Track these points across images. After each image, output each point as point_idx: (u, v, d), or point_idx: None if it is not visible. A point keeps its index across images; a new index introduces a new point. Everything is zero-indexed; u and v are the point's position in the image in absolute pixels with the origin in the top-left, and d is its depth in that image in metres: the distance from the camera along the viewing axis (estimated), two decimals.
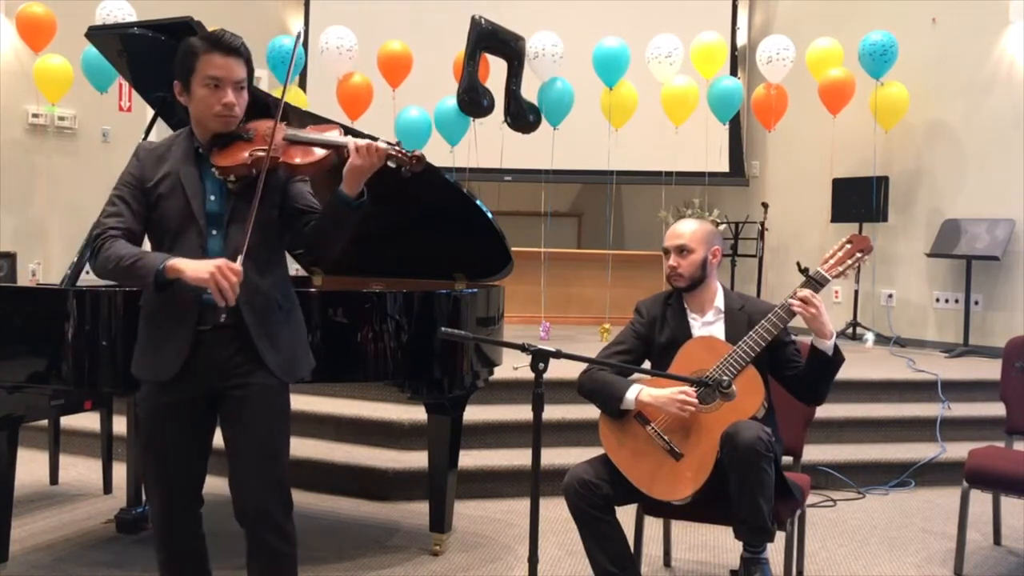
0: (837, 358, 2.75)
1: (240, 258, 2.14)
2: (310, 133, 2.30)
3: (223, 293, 2.08)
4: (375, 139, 2.25)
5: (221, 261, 2.11)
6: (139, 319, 2.34)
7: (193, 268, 2.11)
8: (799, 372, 2.80)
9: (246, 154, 2.23)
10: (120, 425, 3.78)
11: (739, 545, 2.71)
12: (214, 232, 2.26)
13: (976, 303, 6.52)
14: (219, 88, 2.23)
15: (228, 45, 2.24)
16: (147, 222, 2.30)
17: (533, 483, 2.20)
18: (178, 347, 2.23)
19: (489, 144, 6.65)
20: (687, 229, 2.90)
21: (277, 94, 2.89)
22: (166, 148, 2.34)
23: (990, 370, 5.01)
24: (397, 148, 2.20)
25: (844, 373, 2.85)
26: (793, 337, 2.88)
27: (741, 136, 8.07)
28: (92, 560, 3.30)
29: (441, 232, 3.38)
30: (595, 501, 2.68)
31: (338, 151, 2.24)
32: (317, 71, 7.54)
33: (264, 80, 7.32)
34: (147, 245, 2.30)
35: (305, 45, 7.98)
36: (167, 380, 2.25)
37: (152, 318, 2.30)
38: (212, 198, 2.28)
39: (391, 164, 2.19)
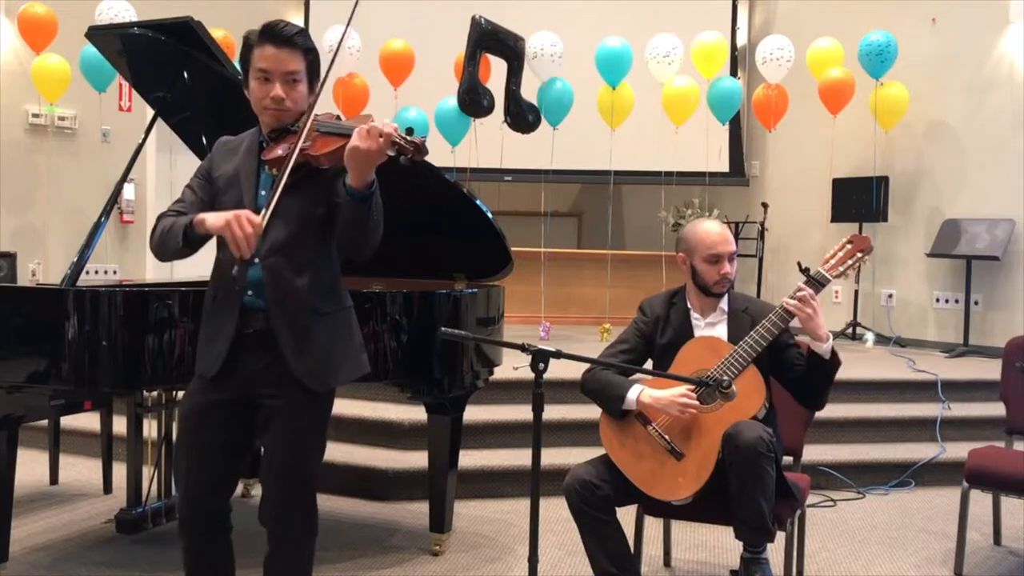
0: (834, 361, 2.74)
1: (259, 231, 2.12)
2: (340, 123, 2.23)
3: (237, 243, 2.07)
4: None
5: (242, 212, 2.10)
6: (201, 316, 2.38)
7: (213, 217, 2.13)
8: (801, 376, 2.79)
9: (285, 146, 2.20)
10: (120, 425, 3.77)
11: (739, 545, 2.71)
12: None
13: (976, 303, 6.52)
14: (268, 81, 2.20)
15: (279, 35, 2.19)
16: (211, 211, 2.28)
17: (533, 483, 2.20)
18: (221, 347, 2.24)
19: (489, 144, 6.64)
20: (730, 235, 2.88)
21: None
22: (240, 142, 2.34)
23: (990, 370, 5.01)
24: (400, 134, 2.05)
25: (844, 373, 2.85)
26: (797, 339, 2.88)
27: (741, 136, 8.07)
28: (92, 560, 3.30)
29: (441, 232, 3.38)
30: (596, 502, 2.68)
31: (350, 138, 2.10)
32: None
33: None
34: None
35: None
36: (209, 377, 2.26)
37: (207, 316, 2.32)
38: (263, 193, 2.26)
39: (390, 152, 2.05)
